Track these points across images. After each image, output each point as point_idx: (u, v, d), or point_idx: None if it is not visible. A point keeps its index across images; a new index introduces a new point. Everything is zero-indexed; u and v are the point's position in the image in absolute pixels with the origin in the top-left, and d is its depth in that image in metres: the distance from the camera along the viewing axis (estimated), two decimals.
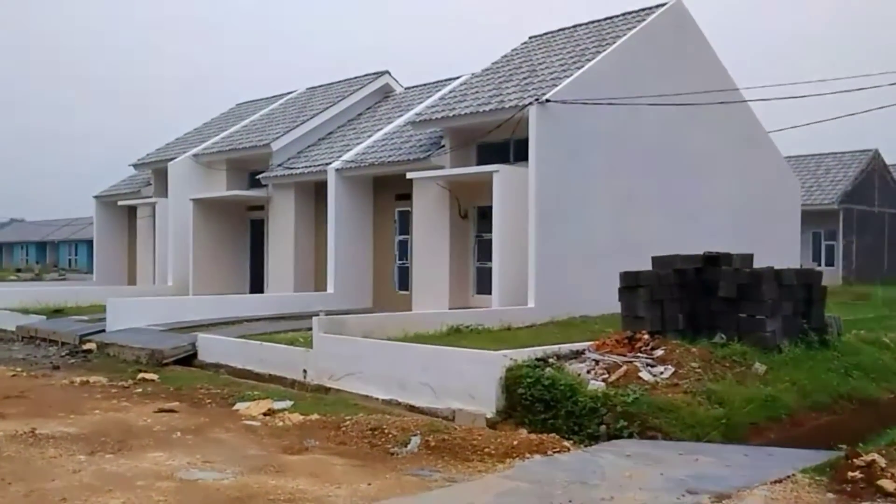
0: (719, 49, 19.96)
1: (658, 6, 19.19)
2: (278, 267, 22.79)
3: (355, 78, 26.42)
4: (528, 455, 7.40)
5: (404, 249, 20.52)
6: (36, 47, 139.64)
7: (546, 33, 21.20)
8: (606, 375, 9.59)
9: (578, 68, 17.06)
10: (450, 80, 23.52)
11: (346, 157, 20.99)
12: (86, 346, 16.26)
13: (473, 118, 17.31)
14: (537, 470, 6.73)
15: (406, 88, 25.53)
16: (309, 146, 23.63)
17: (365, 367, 11.30)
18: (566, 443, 7.89)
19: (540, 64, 18.63)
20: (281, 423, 9.40)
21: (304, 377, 12.14)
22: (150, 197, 27.15)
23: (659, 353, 10.24)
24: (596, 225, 16.84)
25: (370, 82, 25.44)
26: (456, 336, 13.21)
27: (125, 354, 15.05)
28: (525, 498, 5.98)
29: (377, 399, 10.79)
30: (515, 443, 7.69)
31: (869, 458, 6.56)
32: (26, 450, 7.88)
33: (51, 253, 67.30)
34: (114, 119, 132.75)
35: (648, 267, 11.68)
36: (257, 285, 24.09)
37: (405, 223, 20.35)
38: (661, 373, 9.68)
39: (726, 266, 11.54)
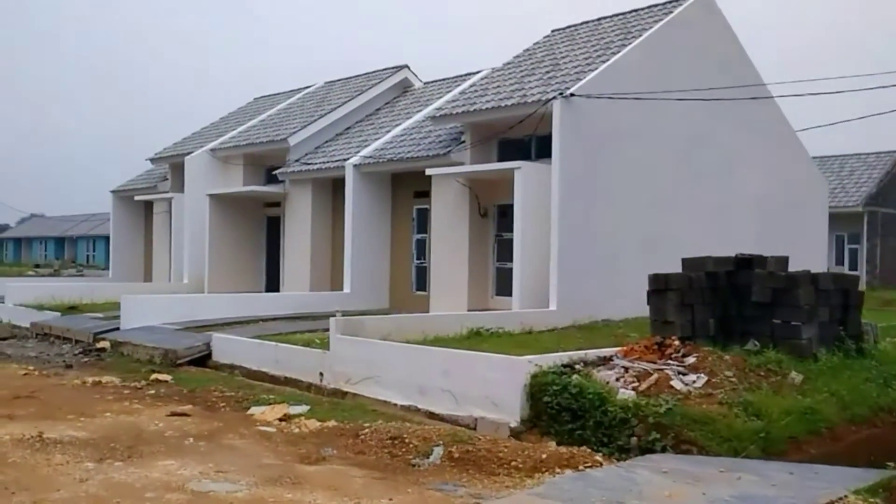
0: (747, 44, 19.43)
1: None
2: (294, 265, 22.48)
3: (374, 72, 26.05)
4: (557, 470, 7.00)
5: (422, 249, 20.14)
6: (60, 43, 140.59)
7: (569, 26, 20.71)
8: (636, 384, 9.16)
9: (603, 62, 16.59)
10: (470, 74, 23.09)
11: (365, 152, 20.64)
12: (99, 345, 16.03)
13: (495, 113, 16.88)
14: (570, 487, 6.33)
15: (425, 83, 25.12)
16: (326, 141, 23.29)
17: (383, 371, 10.94)
18: (598, 457, 7.47)
19: (563, 58, 18.17)
20: (297, 430, 9.06)
21: (321, 380, 11.79)
22: (167, 192, 26.93)
23: (691, 360, 9.80)
24: (619, 225, 16.38)
25: (389, 76, 25.05)
26: (476, 339, 12.82)
27: (139, 354, 14.79)
28: None
29: (395, 405, 10.42)
30: (544, 456, 7.28)
31: None
32: (32, 455, 7.57)
33: (69, 248, 67.51)
34: (134, 112, 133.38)
35: (672, 269, 11.23)
36: (273, 284, 23.79)
37: (423, 221, 19.97)
38: (694, 382, 9.23)
39: (760, 269, 11.07)
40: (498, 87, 18.12)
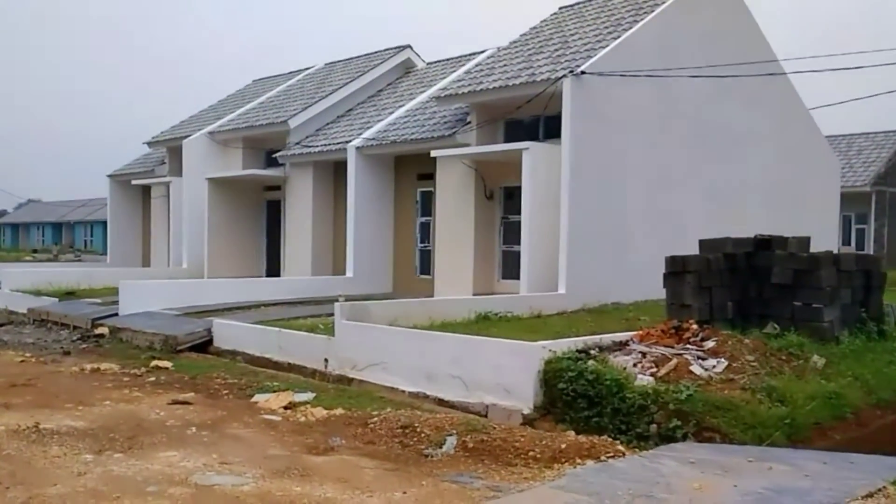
0: (763, 23, 18.95)
1: None
2: (295, 249, 22.10)
3: (375, 53, 25.54)
4: (578, 460, 6.66)
5: (426, 232, 19.76)
6: (58, 34, 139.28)
7: (578, 3, 20.16)
8: (655, 369, 8.83)
9: (614, 39, 16.11)
10: (474, 54, 22.60)
11: (367, 134, 20.20)
12: (98, 331, 15.69)
13: (502, 92, 16.43)
14: (593, 480, 5.99)
15: (428, 63, 24.62)
16: (328, 123, 22.84)
17: (390, 357, 10.60)
18: (620, 446, 7.13)
19: (572, 35, 17.69)
20: (303, 418, 8.73)
21: (326, 367, 11.46)
22: (165, 176, 26.49)
23: (710, 344, 9.47)
24: (629, 206, 16.00)
25: (391, 57, 24.53)
26: (485, 324, 12.48)
27: (138, 340, 14.46)
28: None
29: (403, 392, 10.09)
30: (563, 446, 6.94)
31: None
32: (28, 448, 7.24)
33: (67, 234, 67.09)
34: (134, 96, 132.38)
35: (683, 250, 10.86)
36: (274, 268, 23.43)
37: (427, 204, 19.58)
38: (714, 366, 8.90)
39: (780, 250, 10.71)
40: (505, 66, 17.67)
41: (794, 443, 7.77)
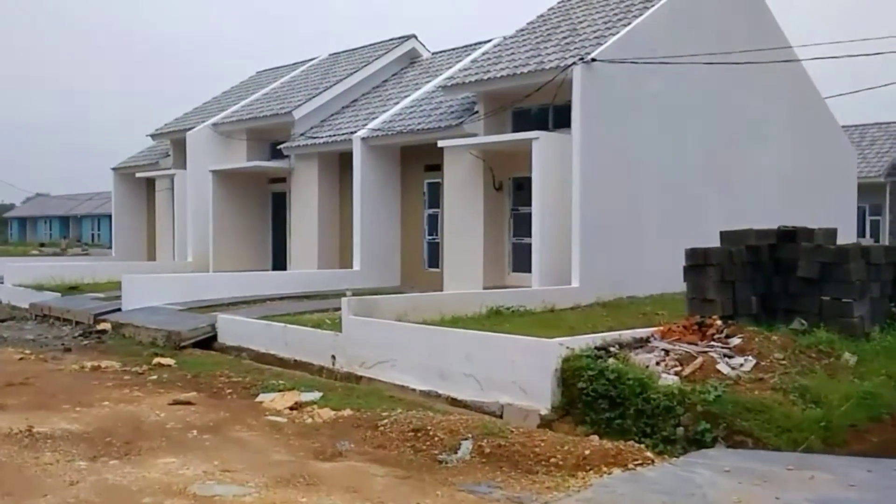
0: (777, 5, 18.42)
1: None
2: (301, 242, 21.70)
3: (380, 42, 25.05)
4: (604, 468, 6.23)
5: (434, 224, 19.33)
6: (68, 26, 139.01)
7: None
8: (679, 368, 8.39)
9: (625, 25, 15.61)
10: (480, 43, 22.11)
11: (372, 125, 19.75)
12: (100, 326, 15.34)
13: (510, 81, 15.96)
14: (623, 491, 5.57)
15: (433, 53, 24.14)
16: (332, 114, 22.40)
17: (400, 355, 10.18)
18: (648, 453, 6.69)
19: (581, 22, 17.18)
20: (310, 420, 8.34)
21: (333, 364, 11.05)
22: (169, 168, 26.11)
23: (735, 341, 9.03)
24: (643, 197, 15.53)
25: (396, 47, 24.06)
26: (497, 319, 12.05)
27: (141, 336, 14.08)
28: None
29: (414, 390, 9.67)
30: (587, 452, 6.50)
31: None
32: (20, 453, 6.86)
33: (74, 227, 66.81)
34: (139, 89, 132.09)
35: (697, 242, 10.38)
36: (280, 262, 23.03)
37: (435, 196, 19.15)
38: (742, 365, 8.46)
39: (806, 242, 10.24)
40: (512, 54, 17.18)
41: (830, 447, 7.32)
